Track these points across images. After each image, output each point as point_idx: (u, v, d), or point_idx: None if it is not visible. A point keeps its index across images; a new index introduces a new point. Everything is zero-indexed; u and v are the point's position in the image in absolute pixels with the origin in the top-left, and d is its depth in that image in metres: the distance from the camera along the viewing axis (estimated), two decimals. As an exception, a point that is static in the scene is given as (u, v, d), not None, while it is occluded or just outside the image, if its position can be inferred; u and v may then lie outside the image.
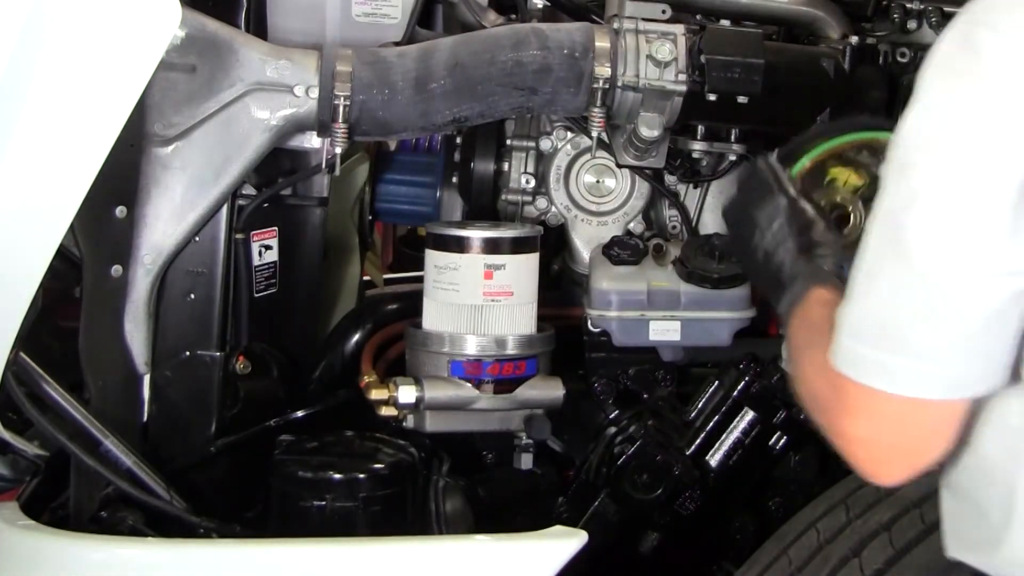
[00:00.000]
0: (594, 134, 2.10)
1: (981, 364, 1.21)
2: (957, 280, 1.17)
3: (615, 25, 2.11)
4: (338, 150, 2.03)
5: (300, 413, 2.26)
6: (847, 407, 1.24)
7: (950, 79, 1.19)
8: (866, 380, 1.22)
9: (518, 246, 2.14)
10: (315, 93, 2.00)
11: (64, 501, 1.98)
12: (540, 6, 2.30)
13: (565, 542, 1.87)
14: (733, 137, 2.23)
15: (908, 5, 2.46)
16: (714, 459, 2.20)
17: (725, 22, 2.26)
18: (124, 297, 1.98)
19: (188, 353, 2.07)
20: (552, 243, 2.36)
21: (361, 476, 2.04)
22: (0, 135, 1.56)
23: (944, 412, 1.23)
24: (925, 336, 1.19)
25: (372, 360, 2.26)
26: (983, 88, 1.16)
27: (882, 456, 1.26)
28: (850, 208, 1.76)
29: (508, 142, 2.36)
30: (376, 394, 2.11)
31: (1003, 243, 1.16)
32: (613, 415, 2.24)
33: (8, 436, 1.95)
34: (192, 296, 2.07)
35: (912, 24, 2.44)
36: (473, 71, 2.03)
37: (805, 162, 1.72)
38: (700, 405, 2.23)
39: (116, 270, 1.97)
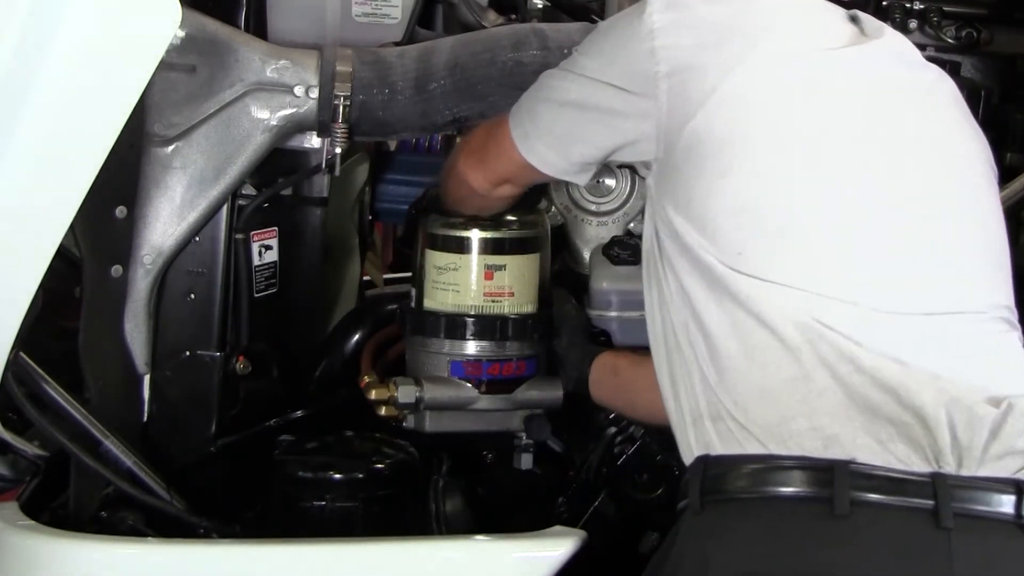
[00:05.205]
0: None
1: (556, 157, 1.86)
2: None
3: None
4: (338, 150, 2.04)
5: (300, 413, 2.26)
6: (492, 143, 1.90)
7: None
8: (514, 135, 1.86)
9: (519, 246, 2.13)
10: (315, 93, 2.01)
11: (64, 501, 1.98)
12: (540, 6, 2.30)
13: (565, 542, 1.87)
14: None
15: (908, 5, 2.46)
16: (715, 458, 2.20)
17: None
18: (124, 297, 1.99)
19: (188, 353, 2.08)
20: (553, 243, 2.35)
21: (361, 476, 2.04)
22: (1, 135, 1.56)
23: (527, 170, 1.88)
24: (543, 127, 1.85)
25: (372, 360, 2.25)
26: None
27: (483, 176, 1.95)
28: None
29: (508, 142, 2.35)
30: (376, 394, 2.11)
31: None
32: (613, 415, 2.24)
33: (8, 436, 1.95)
34: (192, 296, 2.07)
35: (913, 24, 2.44)
36: (473, 71, 2.04)
37: None
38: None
39: (116, 270, 1.97)
